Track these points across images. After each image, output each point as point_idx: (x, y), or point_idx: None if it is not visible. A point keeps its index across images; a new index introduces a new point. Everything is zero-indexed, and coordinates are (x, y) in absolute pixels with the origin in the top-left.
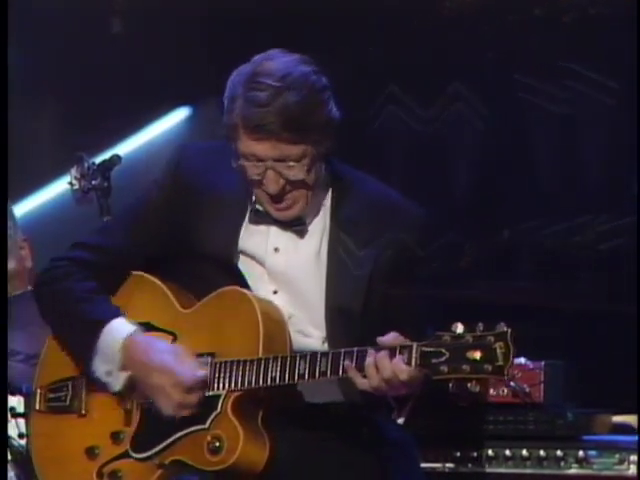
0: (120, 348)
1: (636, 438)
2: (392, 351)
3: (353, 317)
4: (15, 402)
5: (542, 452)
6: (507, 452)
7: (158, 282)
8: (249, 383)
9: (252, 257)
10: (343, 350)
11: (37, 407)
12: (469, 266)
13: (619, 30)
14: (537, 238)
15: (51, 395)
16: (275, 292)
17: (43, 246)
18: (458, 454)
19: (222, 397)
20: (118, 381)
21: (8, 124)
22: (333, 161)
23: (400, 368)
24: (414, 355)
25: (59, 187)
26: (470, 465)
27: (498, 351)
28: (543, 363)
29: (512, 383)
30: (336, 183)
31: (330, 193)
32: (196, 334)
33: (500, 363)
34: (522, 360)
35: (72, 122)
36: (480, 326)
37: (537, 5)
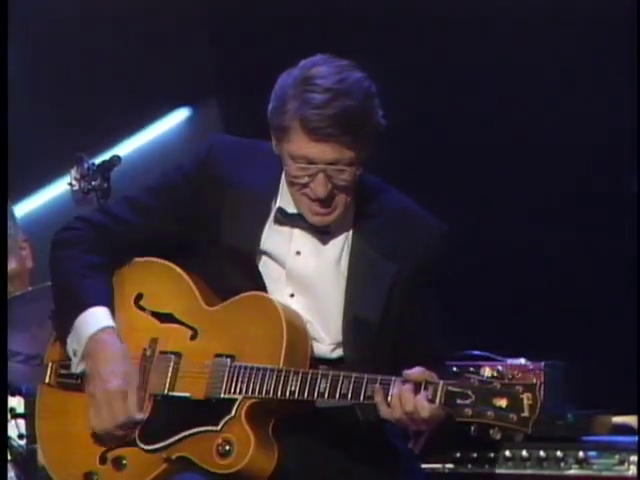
0: (88, 338)
1: (636, 439)
2: (417, 386)
3: (370, 328)
4: (15, 403)
5: (542, 453)
6: (507, 453)
7: (185, 275)
8: (267, 393)
9: (273, 258)
10: (367, 376)
11: (47, 380)
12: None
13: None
14: (537, 239)
15: (63, 371)
16: (292, 295)
17: (43, 247)
18: (458, 455)
19: (237, 402)
20: (78, 365)
21: (8, 125)
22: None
23: (423, 405)
24: (439, 393)
25: (59, 188)
26: (470, 466)
27: (525, 402)
28: (543, 364)
29: None
30: (360, 193)
31: (355, 203)
32: (217, 334)
33: (526, 414)
34: (522, 361)
35: (72, 123)
36: (508, 373)
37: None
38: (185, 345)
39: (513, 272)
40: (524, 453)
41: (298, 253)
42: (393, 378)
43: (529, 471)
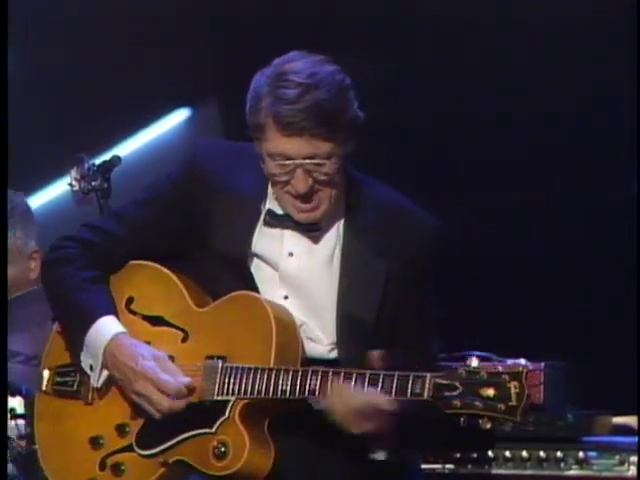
0: (104, 348)
1: (636, 439)
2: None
3: (365, 327)
4: (15, 403)
5: (542, 453)
6: (507, 453)
7: (173, 276)
8: (259, 393)
9: (265, 260)
10: (355, 372)
11: (43, 388)
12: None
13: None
14: (539, 239)
15: (59, 379)
16: (286, 297)
17: (43, 247)
18: (458, 455)
19: (231, 403)
20: (99, 378)
21: (8, 125)
22: (349, 169)
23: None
24: (427, 386)
25: (59, 188)
26: (470, 466)
27: (512, 390)
28: (543, 364)
29: None
30: (350, 190)
31: (345, 200)
32: (208, 335)
33: (513, 403)
34: (522, 361)
35: (72, 123)
36: (495, 361)
37: None
38: (177, 348)
39: (513, 272)
40: (524, 453)
41: (290, 254)
42: (381, 373)
43: (529, 471)
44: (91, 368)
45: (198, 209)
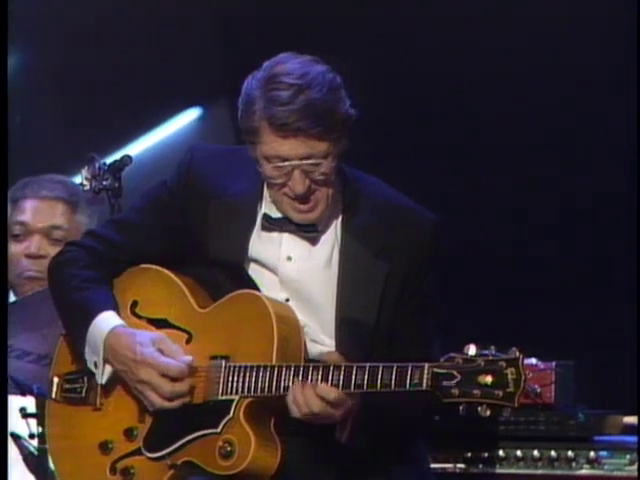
0: (103, 341)
1: None
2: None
3: (364, 328)
4: (26, 403)
5: (553, 453)
6: (518, 453)
7: (175, 277)
8: (262, 390)
9: (264, 265)
10: (355, 365)
11: (53, 396)
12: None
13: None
14: (551, 238)
15: (67, 385)
16: (287, 300)
17: None
18: (469, 455)
19: (235, 402)
20: (103, 374)
21: (9, 124)
22: (343, 167)
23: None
24: (425, 376)
25: None
26: (481, 466)
27: (509, 377)
28: (554, 364)
29: None
30: (347, 189)
31: (341, 199)
32: (211, 335)
33: (511, 389)
34: (533, 361)
35: (83, 122)
36: (492, 349)
37: None
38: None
39: (524, 272)
40: (535, 453)
41: (289, 258)
42: (381, 365)
43: (540, 471)
44: (95, 366)
45: (194, 214)
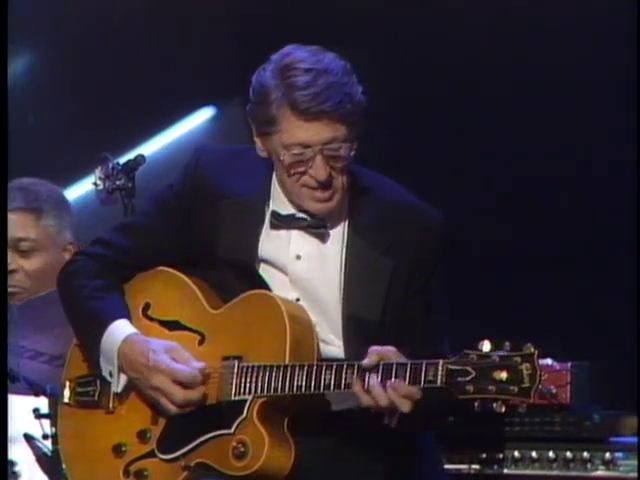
0: (117, 350)
1: None
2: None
3: (371, 327)
4: (40, 403)
5: (569, 454)
6: (533, 454)
7: (186, 279)
8: (275, 390)
9: (273, 264)
10: None
11: (66, 400)
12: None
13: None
14: (566, 239)
15: (80, 389)
16: (297, 300)
17: None
18: (484, 456)
19: (248, 402)
20: (118, 383)
21: (10, 124)
22: (351, 164)
23: (404, 389)
24: (440, 372)
25: (83, 187)
26: (496, 467)
27: (524, 372)
28: (570, 364)
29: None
30: (354, 187)
31: (348, 197)
32: (224, 336)
33: (526, 385)
34: (549, 361)
35: (97, 122)
36: (507, 345)
37: None
38: (194, 351)
39: (539, 272)
40: (551, 454)
41: (298, 257)
42: (394, 362)
43: (555, 472)
44: (111, 375)
45: (202, 215)
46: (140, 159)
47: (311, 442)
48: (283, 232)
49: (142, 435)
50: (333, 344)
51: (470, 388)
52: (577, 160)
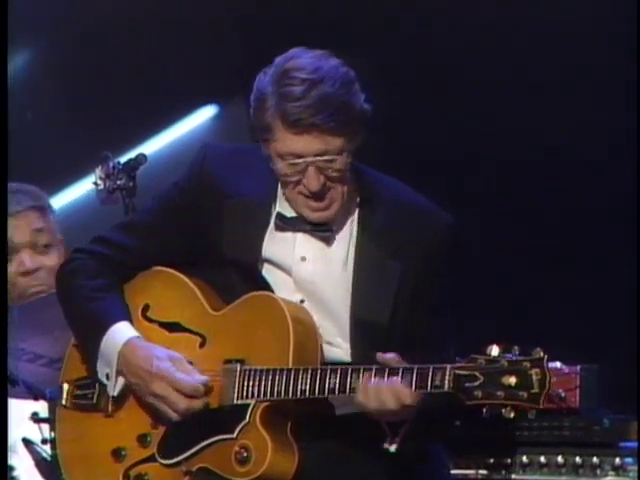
0: (118, 353)
1: None
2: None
3: (378, 330)
4: (39, 407)
5: (578, 459)
6: (542, 459)
7: (188, 281)
8: (278, 394)
9: (278, 266)
10: (374, 367)
11: (63, 403)
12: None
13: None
14: (570, 241)
15: (78, 392)
16: (302, 301)
17: (68, 246)
18: (491, 461)
19: (251, 407)
20: (115, 386)
21: (10, 123)
22: (359, 166)
23: (403, 392)
24: (447, 378)
25: (84, 187)
26: (504, 472)
27: (534, 378)
28: (579, 367)
29: None
30: (362, 189)
31: (356, 199)
32: (225, 339)
33: (536, 390)
34: (557, 364)
35: (97, 121)
36: (516, 350)
37: None
38: (195, 353)
39: (547, 275)
40: (560, 459)
41: (303, 259)
42: (401, 367)
43: (564, 477)
44: (107, 377)
45: (207, 213)
46: (141, 158)
47: (314, 447)
48: (289, 234)
49: (142, 439)
50: (339, 347)
51: (478, 394)
52: (577, 160)
